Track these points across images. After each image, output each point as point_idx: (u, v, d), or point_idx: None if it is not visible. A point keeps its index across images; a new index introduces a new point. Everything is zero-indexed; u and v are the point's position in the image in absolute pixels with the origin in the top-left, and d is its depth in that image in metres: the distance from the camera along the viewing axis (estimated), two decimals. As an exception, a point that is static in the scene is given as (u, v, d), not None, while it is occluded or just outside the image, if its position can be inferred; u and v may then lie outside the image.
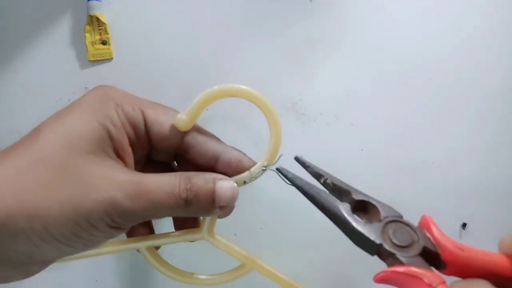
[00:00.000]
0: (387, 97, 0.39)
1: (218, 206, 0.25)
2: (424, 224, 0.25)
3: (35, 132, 0.23)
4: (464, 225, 0.39)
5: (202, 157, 0.27)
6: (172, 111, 0.27)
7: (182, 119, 0.26)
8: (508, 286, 0.22)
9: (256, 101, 0.26)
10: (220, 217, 0.29)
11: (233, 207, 0.28)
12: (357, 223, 0.24)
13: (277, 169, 0.27)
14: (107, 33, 0.39)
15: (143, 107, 0.26)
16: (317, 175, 0.27)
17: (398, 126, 0.39)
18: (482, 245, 0.39)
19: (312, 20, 0.40)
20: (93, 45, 0.39)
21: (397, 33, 0.40)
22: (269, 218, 0.39)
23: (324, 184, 0.27)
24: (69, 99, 0.40)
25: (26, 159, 0.22)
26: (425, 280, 0.22)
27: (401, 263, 0.23)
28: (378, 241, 0.24)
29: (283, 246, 0.39)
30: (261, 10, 0.40)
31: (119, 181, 0.23)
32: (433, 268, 0.23)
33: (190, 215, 0.26)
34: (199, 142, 0.27)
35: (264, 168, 0.27)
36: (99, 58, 0.40)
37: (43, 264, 0.24)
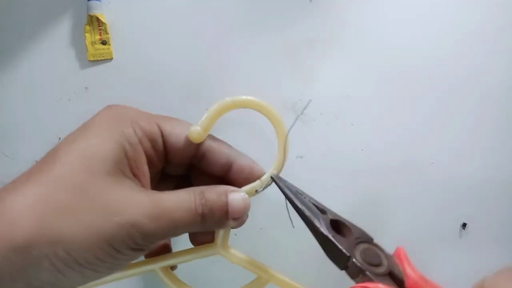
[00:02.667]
0: (387, 97, 0.39)
1: (231, 218, 0.26)
2: (397, 255, 0.26)
3: (52, 156, 0.23)
4: (464, 225, 0.39)
5: (216, 165, 0.28)
6: (186, 123, 0.28)
7: (196, 131, 0.26)
8: None
9: (265, 112, 0.28)
10: (233, 227, 0.29)
11: (246, 218, 0.28)
12: (331, 234, 0.25)
13: (271, 177, 0.28)
14: (107, 33, 0.39)
15: (159, 121, 0.27)
16: (295, 194, 0.27)
17: (398, 126, 0.39)
18: (482, 245, 0.39)
19: (312, 20, 0.40)
20: (93, 45, 0.39)
21: (397, 33, 0.40)
22: (269, 218, 0.39)
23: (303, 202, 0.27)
24: (69, 99, 0.40)
25: (45, 185, 0.22)
26: None
27: (370, 280, 0.24)
28: (348, 254, 0.24)
29: (283, 246, 0.39)
30: (261, 10, 0.40)
31: (140, 203, 0.23)
32: None
33: (205, 230, 0.27)
34: (213, 150, 0.28)
35: (272, 176, 0.28)
36: (99, 58, 0.40)
37: None
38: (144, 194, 0.23)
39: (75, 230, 0.21)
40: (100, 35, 0.39)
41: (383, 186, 0.39)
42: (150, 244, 0.24)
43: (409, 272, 0.24)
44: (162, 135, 0.26)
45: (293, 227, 0.28)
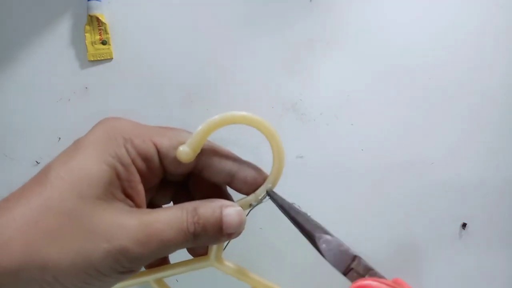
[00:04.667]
0: (387, 97, 0.39)
1: (226, 234, 0.25)
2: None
3: (43, 176, 0.23)
4: (464, 225, 0.39)
5: (218, 176, 0.27)
6: (184, 133, 0.27)
7: (184, 152, 0.25)
8: None
9: (257, 125, 0.26)
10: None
11: (242, 230, 0.27)
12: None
13: (267, 192, 0.27)
14: (107, 33, 0.39)
15: (154, 137, 0.26)
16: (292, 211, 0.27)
17: (398, 126, 0.39)
18: (482, 245, 0.39)
19: (312, 20, 0.40)
20: (93, 45, 0.39)
21: (396, 33, 0.40)
22: (269, 218, 0.39)
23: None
24: (69, 99, 0.40)
25: (35, 208, 0.22)
26: None
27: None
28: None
29: (283, 246, 0.39)
30: (261, 10, 0.40)
31: (128, 227, 0.23)
32: None
33: (198, 246, 0.26)
34: (214, 162, 0.27)
35: (267, 190, 0.27)
36: (99, 58, 0.40)
37: None
38: (134, 217, 0.23)
39: (63, 256, 0.21)
40: (100, 35, 0.39)
41: (383, 186, 0.39)
42: (138, 266, 0.24)
43: None
44: (159, 153, 0.26)
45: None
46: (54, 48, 0.40)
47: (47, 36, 0.40)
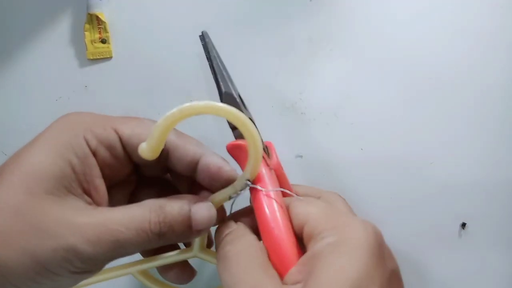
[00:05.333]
0: (386, 96, 0.39)
1: (195, 231, 0.24)
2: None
3: None
4: (463, 225, 0.39)
5: (183, 164, 0.26)
6: (147, 121, 0.26)
7: (145, 150, 0.24)
8: None
9: (224, 114, 0.23)
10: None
11: (211, 226, 0.26)
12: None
13: (202, 33, 0.30)
14: (106, 32, 0.39)
15: (115, 124, 0.25)
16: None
17: (398, 126, 0.39)
18: (482, 245, 0.39)
19: (312, 19, 0.40)
20: (92, 44, 0.39)
21: (397, 33, 0.40)
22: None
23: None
24: (69, 98, 0.40)
25: None
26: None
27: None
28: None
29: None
30: (261, 9, 0.40)
31: (78, 225, 0.21)
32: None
33: (165, 244, 0.25)
34: (177, 147, 0.26)
35: (247, 181, 0.25)
36: (98, 57, 0.40)
37: None
38: (87, 214, 0.22)
39: (10, 255, 0.20)
40: (99, 33, 0.39)
41: (383, 185, 0.39)
42: (94, 266, 0.22)
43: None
44: (121, 140, 0.25)
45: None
46: (54, 46, 0.40)
47: (47, 34, 0.40)
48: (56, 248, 0.21)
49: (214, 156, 0.26)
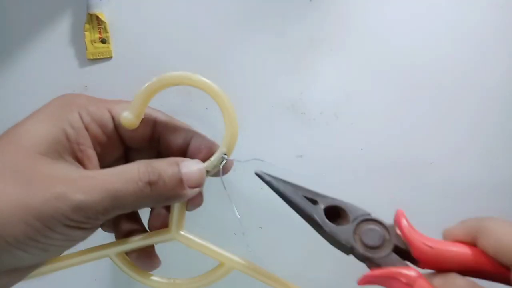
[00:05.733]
0: (387, 96, 0.39)
1: (188, 187, 0.24)
2: (396, 220, 0.26)
3: None
4: (463, 225, 0.39)
5: (174, 146, 0.27)
6: None
7: (127, 118, 0.24)
8: (476, 275, 0.22)
9: (199, 85, 0.25)
10: (189, 209, 0.28)
11: (202, 196, 0.27)
12: (328, 227, 0.25)
13: (256, 173, 0.26)
14: (106, 32, 0.39)
15: (110, 105, 0.26)
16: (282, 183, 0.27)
17: (398, 126, 0.39)
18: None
19: (312, 19, 0.40)
20: (92, 44, 0.39)
21: (397, 33, 0.40)
22: (268, 217, 0.39)
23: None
24: (68, 98, 0.40)
25: None
26: (403, 279, 0.22)
27: (377, 265, 0.24)
28: (349, 245, 0.24)
29: (282, 246, 0.39)
30: (261, 10, 0.40)
31: (69, 178, 0.22)
32: (408, 263, 0.24)
33: (160, 203, 0.25)
34: (169, 131, 0.27)
35: (224, 155, 0.26)
36: (98, 57, 0.40)
37: (4, 276, 0.22)
38: (78, 171, 0.23)
39: (3, 209, 0.21)
40: (99, 33, 0.39)
41: (382, 185, 0.39)
42: (88, 220, 0.22)
43: (412, 240, 0.24)
44: (113, 119, 0.26)
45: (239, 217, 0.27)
46: (53, 46, 0.40)
47: (46, 34, 0.40)
48: (47, 197, 0.21)
49: (204, 139, 0.27)
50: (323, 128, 0.40)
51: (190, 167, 0.25)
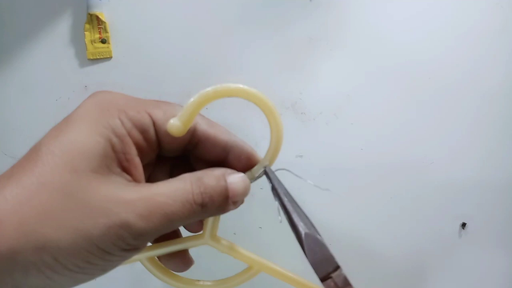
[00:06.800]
0: (386, 96, 0.39)
1: (232, 202, 0.25)
2: None
3: (34, 153, 0.22)
4: (463, 225, 0.39)
5: (212, 153, 0.26)
6: (179, 107, 0.26)
7: (175, 125, 0.24)
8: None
9: (254, 99, 0.25)
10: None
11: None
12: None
13: (264, 169, 0.26)
14: (106, 32, 0.39)
15: (149, 108, 0.25)
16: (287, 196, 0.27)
17: (398, 126, 0.39)
18: (482, 245, 0.39)
19: (312, 19, 0.40)
20: (92, 44, 0.39)
21: (397, 33, 0.40)
22: (268, 217, 0.39)
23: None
24: (68, 98, 0.40)
25: (27, 186, 0.20)
26: None
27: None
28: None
29: (283, 245, 0.39)
30: (261, 9, 0.40)
31: (129, 201, 0.21)
32: None
33: (205, 218, 0.25)
34: (209, 137, 0.26)
35: (265, 167, 0.26)
36: (98, 57, 0.40)
37: None
38: (133, 190, 0.22)
39: (61, 235, 0.20)
40: (99, 33, 0.39)
41: (382, 185, 0.39)
42: (143, 242, 0.22)
43: None
44: (154, 124, 0.24)
45: (280, 222, 0.27)
46: (54, 46, 0.40)
47: (47, 34, 0.40)
48: (110, 225, 0.20)
49: (245, 146, 0.26)
50: (323, 128, 0.40)
51: (237, 183, 0.25)
